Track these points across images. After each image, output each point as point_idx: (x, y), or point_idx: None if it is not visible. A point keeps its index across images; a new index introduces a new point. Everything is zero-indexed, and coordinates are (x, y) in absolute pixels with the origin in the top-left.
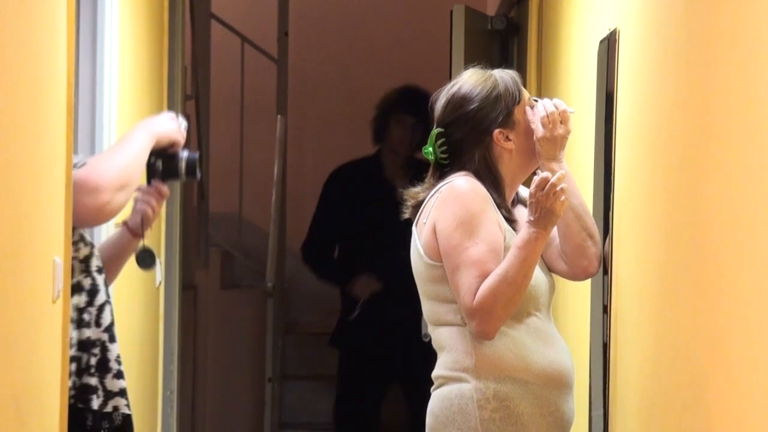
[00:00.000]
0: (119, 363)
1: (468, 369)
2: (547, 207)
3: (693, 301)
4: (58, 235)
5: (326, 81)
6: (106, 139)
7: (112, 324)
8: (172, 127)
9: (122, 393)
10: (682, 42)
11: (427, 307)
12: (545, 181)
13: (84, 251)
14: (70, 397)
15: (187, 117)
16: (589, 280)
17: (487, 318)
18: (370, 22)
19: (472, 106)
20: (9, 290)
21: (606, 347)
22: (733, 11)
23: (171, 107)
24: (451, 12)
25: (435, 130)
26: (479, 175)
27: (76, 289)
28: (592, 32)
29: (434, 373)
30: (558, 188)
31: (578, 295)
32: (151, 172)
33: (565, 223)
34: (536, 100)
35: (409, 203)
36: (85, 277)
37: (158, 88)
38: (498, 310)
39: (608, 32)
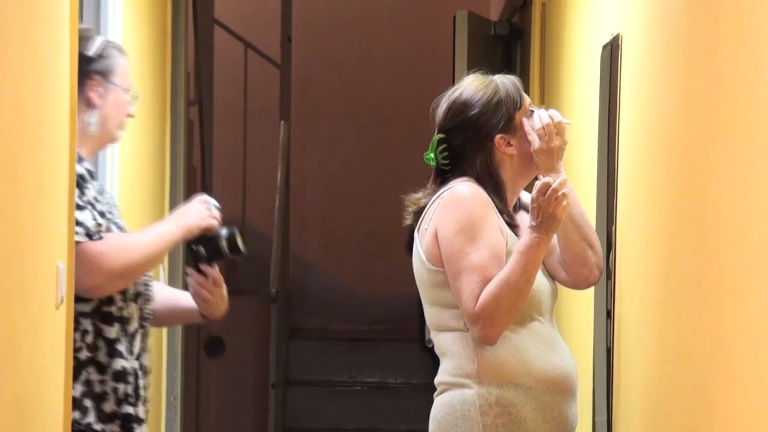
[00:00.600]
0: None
1: (470, 375)
2: (549, 212)
3: (696, 305)
4: (61, 241)
5: (329, 86)
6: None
7: (142, 351)
8: (201, 214)
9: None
10: (685, 47)
11: (430, 313)
12: (547, 186)
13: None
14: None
15: (190, 122)
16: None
17: (490, 323)
18: (373, 27)
19: (474, 112)
20: (12, 296)
21: (609, 352)
22: (736, 16)
23: (174, 113)
24: (454, 17)
25: (436, 136)
26: (481, 181)
27: (109, 318)
28: (595, 37)
29: (437, 379)
30: (560, 193)
31: (582, 300)
32: (196, 257)
33: (564, 233)
34: (533, 111)
35: (410, 209)
36: (124, 306)
37: (162, 94)
38: (500, 315)
39: (611, 37)
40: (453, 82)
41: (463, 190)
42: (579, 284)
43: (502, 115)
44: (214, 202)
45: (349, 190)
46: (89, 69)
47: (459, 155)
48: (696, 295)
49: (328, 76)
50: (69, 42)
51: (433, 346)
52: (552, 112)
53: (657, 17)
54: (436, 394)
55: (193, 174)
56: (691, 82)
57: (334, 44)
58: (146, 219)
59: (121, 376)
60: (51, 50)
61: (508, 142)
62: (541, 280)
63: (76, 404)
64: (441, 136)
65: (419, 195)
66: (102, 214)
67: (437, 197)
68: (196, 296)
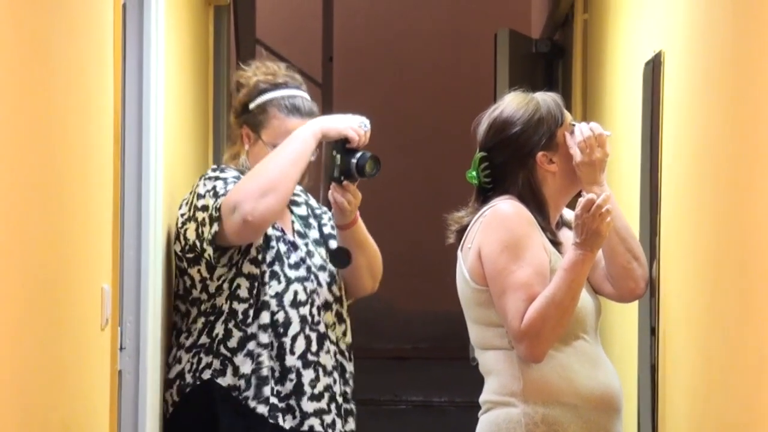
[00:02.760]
0: (313, 387)
1: (516, 393)
2: (593, 228)
3: (742, 322)
4: (106, 263)
5: (370, 105)
6: (152, 167)
7: (305, 351)
8: (346, 122)
9: (317, 414)
10: (728, 64)
11: (474, 332)
12: (591, 202)
13: (276, 288)
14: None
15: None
16: (636, 302)
17: (536, 341)
18: (414, 46)
19: (515, 130)
20: (58, 318)
21: (654, 369)
22: None
23: (216, 133)
24: (496, 36)
25: (478, 155)
26: (523, 198)
27: (263, 326)
28: (637, 54)
29: (482, 398)
30: (603, 209)
31: (626, 317)
32: (332, 167)
33: (610, 246)
34: (573, 125)
35: (453, 228)
36: (278, 312)
37: (204, 114)
38: (546, 333)
39: (653, 54)
40: (494, 101)
41: (506, 208)
42: (625, 297)
43: (543, 133)
44: (367, 121)
45: (392, 208)
46: (242, 119)
47: (501, 173)
48: (742, 312)
49: (369, 95)
50: (113, 65)
51: (477, 365)
52: (593, 124)
53: (699, 34)
54: (481, 412)
55: None
56: (734, 98)
57: (374, 63)
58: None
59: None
60: (97, 76)
61: (551, 160)
62: (585, 298)
63: None
64: (483, 154)
65: (462, 214)
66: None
67: (480, 216)
68: (333, 203)
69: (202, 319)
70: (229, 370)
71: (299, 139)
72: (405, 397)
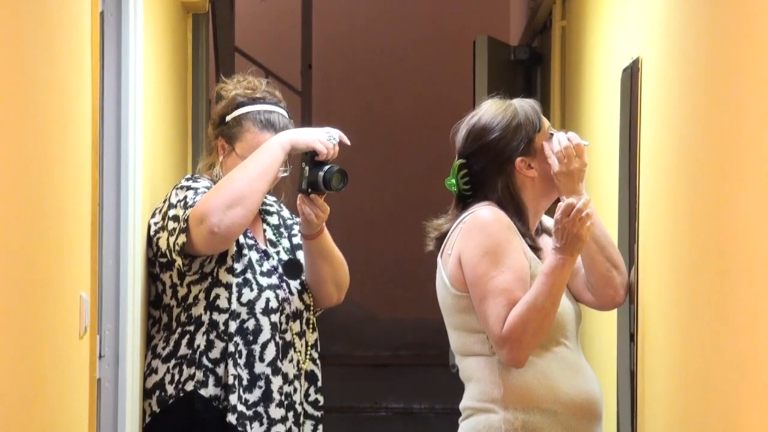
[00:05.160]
0: (281, 393)
1: (496, 400)
2: (573, 233)
3: (720, 328)
4: (84, 271)
5: (349, 113)
6: (131, 175)
7: (275, 359)
8: (314, 135)
9: (283, 421)
10: (706, 69)
11: (455, 338)
12: (571, 207)
13: (248, 295)
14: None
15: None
16: (615, 309)
17: (517, 346)
18: (393, 54)
19: (493, 136)
20: (36, 327)
21: (633, 375)
22: (757, 39)
23: (195, 141)
24: (474, 43)
25: (457, 162)
26: (502, 204)
27: (239, 331)
28: (614, 61)
29: (462, 404)
30: (584, 213)
31: (605, 323)
32: (300, 179)
33: (589, 255)
34: (552, 134)
35: (432, 235)
36: (248, 319)
37: (182, 122)
38: (528, 338)
39: (631, 61)
40: (473, 108)
41: (486, 214)
42: (605, 305)
43: (521, 138)
44: (337, 134)
45: (371, 216)
46: (218, 130)
47: (480, 180)
48: (720, 316)
49: (348, 103)
50: (91, 71)
51: (457, 371)
52: (570, 134)
53: (676, 40)
54: (461, 419)
55: None
56: (711, 104)
57: (353, 71)
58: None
59: (251, 380)
60: (74, 84)
61: (529, 165)
62: (565, 304)
63: None
64: (461, 161)
65: (441, 221)
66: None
67: (459, 222)
68: (301, 214)
69: (179, 330)
70: (211, 381)
71: (267, 152)
72: (385, 404)
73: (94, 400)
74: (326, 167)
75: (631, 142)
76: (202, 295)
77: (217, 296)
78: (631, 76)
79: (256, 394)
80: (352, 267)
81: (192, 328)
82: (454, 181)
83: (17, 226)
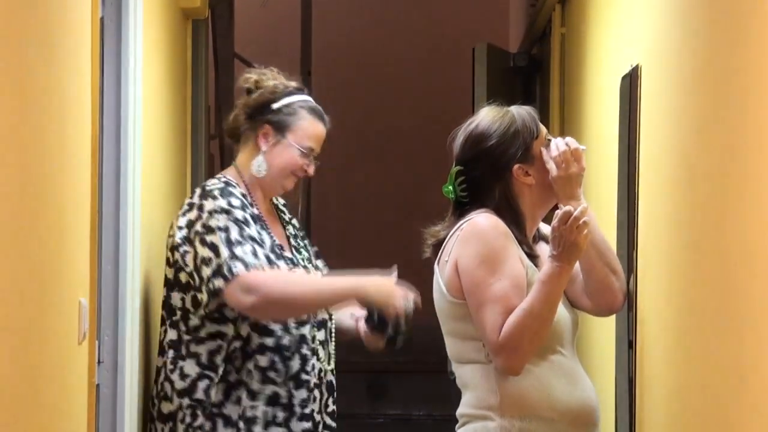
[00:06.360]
0: (303, 407)
1: (493, 407)
2: (570, 240)
3: (719, 335)
4: (83, 277)
5: (349, 119)
6: (130, 180)
7: (299, 371)
8: (396, 294)
9: None
10: (705, 77)
11: (451, 345)
12: (568, 214)
13: None
14: None
15: (211, 156)
16: (613, 316)
17: (514, 354)
18: (392, 61)
19: (491, 143)
20: (35, 332)
21: (632, 383)
22: (756, 46)
23: (195, 147)
24: (474, 50)
25: (454, 168)
26: (499, 212)
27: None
28: (614, 68)
29: (459, 411)
30: (581, 221)
31: (603, 330)
32: (372, 315)
33: (587, 261)
34: (549, 140)
35: (429, 242)
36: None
37: (182, 128)
38: (524, 346)
39: (630, 68)
40: (472, 115)
41: (483, 221)
42: (603, 311)
43: (519, 145)
44: (413, 299)
45: (370, 222)
46: (265, 118)
47: (477, 186)
48: (719, 322)
49: (347, 109)
50: (90, 79)
51: (455, 379)
52: (568, 139)
53: (676, 48)
54: (458, 426)
55: None
56: (710, 111)
57: (353, 78)
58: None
59: (272, 400)
60: (74, 90)
61: (526, 172)
62: (562, 312)
63: None
64: (459, 168)
65: (438, 227)
66: (255, 253)
67: (456, 229)
68: (365, 337)
69: (224, 354)
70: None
71: (341, 290)
72: (383, 411)
73: (92, 406)
74: (385, 324)
75: (630, 149)
76: (230, 330)
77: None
78: (630, 83)
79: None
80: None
81: (240, 355)
82: (451, 187)
83: (16, 232)
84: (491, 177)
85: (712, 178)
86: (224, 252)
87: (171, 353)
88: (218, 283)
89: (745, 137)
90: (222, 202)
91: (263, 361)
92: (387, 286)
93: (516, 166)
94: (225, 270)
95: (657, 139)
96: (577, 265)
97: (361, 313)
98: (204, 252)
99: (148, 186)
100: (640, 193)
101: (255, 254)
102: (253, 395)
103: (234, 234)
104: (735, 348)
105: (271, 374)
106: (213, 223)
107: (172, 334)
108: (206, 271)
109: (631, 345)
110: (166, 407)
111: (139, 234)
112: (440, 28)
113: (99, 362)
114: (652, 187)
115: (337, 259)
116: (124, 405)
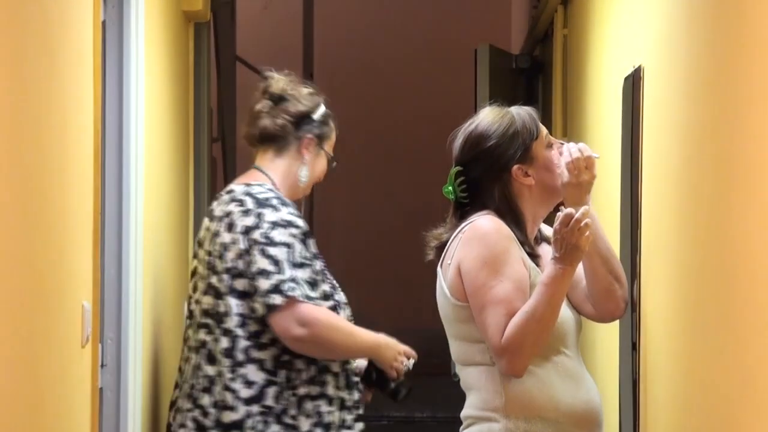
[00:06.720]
0: (357, 408)
1: (497, 409)
2: (572, 243)
3: (723, 337)
4: (86, 280)
5: (351, 122)
6: (132, 182)
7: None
8: (392, 360)
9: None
10: (708, 77)
11: (455, 348)
12: (569, 217)
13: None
14: None
15: (213, 161)
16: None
17: (517, 356)
18: (395, 62)
19: (490, 143)
20: (38, 336)
21: (635, 384)
22: (759, 47)
23: (197, 150)
24: (476, 51)
25: (454, 169)
26: (500, 213)
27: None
28: (616, 69)
29: (463, 413)
30: (582, 223)
31: (607, 332)
32: (368, 373)
33: (591, 268)
34: (562, 144)
35: (432, 245)
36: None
37: (184, 131)
38: (527, 348)
39: (633, 69)
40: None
41: (484, 224)
42: (605, 318)
43: (518, 146)
44: (412, 360)
45: (373, 225)
46: (310, 128)
47: (477, 187)
48: (722, 327)
49: (349, 112)
50: (92, 82)
51: (458, 381)
52: (581, 145)
53: (678, 49)
54: (462, 428)
55: None
56: (713, 112)
57: (355, 80)
58: (170, 254)
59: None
60: (76, 93)
61: (526, 173)
62: (565, 313)
63: None
64: (458, 168)
65: (440, 230)
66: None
67: (459, 232)
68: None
69: (311, 369)
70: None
71: (364, 348)
72: (387, 413)
73: (96, 410)
74: (392, 385)
75: (633, 150)
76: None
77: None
78: (633, 84)
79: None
80: (354, 276)
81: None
82: (451, 188)
83: (19, 236)
84: (491, 178)
85: (715, 179)
86: (287, 271)
87: (228, 362)
88: (276, 300)
89: (749, 139)
90: (283, 214)
91: (335, 366)
92: (395, 350)
93: (515, 167)
94: (286, 289)
95: (660, 141)
96: (580, 270)
97: (361, 364)
98: (263, 263)
99: (150, 188)
100: (643, 195)
101: (313, 285)
102: (329, 400)
103: (296, 253)
104: (739, 350)
105: (339, 379)
106: (276, 236)
107: (225, 342)
108: (265, 284)
109: (635, 346)
110: (229, 416)
111: (141, 236)
112: (442, 29)
113: (102, 365)
114: (655, 189)
115: (343, 266)
116: (127, 408)
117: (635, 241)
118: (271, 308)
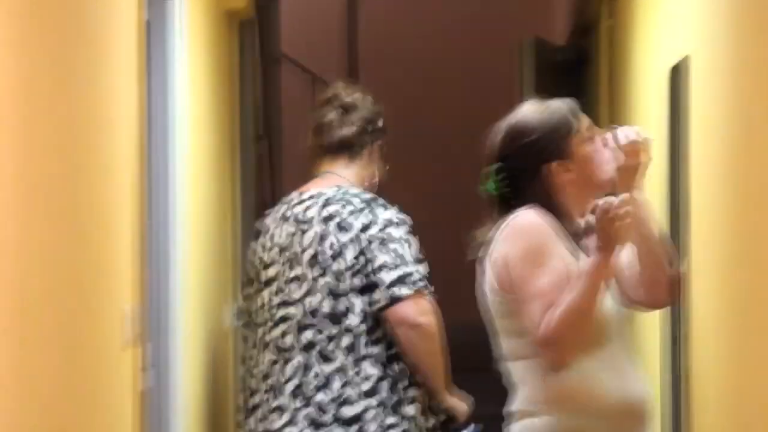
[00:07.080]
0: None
1: (543, 403)
2: (611, 232)
3: None
4: (128, 283)
5: (395, 118)
6: (178, 185)
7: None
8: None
9: None
10: (756, 68)
11: (500, 342)
12: (609, 205)
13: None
14: None
15: (259, 157)
16: (659, 311)
17: (557, 347)
18: (439, 56)
19: (532, 137)
20: (80, 339)
21: (677, 380)
22: None
23: (243, 147)
24: (521, 45)
25: (495, 165)
26: (542, 207)
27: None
28: (662, 60)
29: (508, 409)
30: (621, 211)
31: (649, 325)
32: (437, 413)
33: (639, 253)
34: (615, 128)
35: (477, 241)
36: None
37: (230, 130)
38: (567, 339)
39: (679, 59)
40: None
41: (526, 218)
42: (653, 304)
43: (559, 139)
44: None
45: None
46: (378, 135)
47: (518, 182)
48: None
49: (393, 107)
50: (137, 80)
51: (501, 377)
52: (637, 128)
53: (726, 38)
54: (508, 423)
55: (262, 209)
56: (762, 103)
57: (399, 75)
58: (213, 254)
59: None
60: (121, 94)
61: (567, 168)
62: (608, 305)
63: None
64: (499, 164)
65: (485, 228)
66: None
67: (503, 227)
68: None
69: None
70: None
71: (445, 372)
72: None
73: (138, 412)
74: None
75: (679, 141)
76: None
77: None
78: (680, 75)
79: None
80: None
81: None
82: (492, 184)
83: (62, 240)
84: (531, 172)
85: (765, 170)
86: (410, 264)
87: (350, 358)
88: (403, 291)
89: None
90: (394, 212)
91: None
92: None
93: (555, 164)
94: (412, 281)
95: (708, 132)
96: (627, 258)
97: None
98: (385, 258)
99: (194, 189)
100: (692, 187)
101: (428, 281)
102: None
103: (414, 249)
104: None
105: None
106: (394, 232)
107: (347, 340)
108: (389, 277)
109: (676, 340)
110: (349, 411)
111: (186, 239)
112: (484, 22)
113: (145, 368)
114: (703, 180)
115: None
116: (169, 410)
117: (679, 234)
118: (396, 299)
